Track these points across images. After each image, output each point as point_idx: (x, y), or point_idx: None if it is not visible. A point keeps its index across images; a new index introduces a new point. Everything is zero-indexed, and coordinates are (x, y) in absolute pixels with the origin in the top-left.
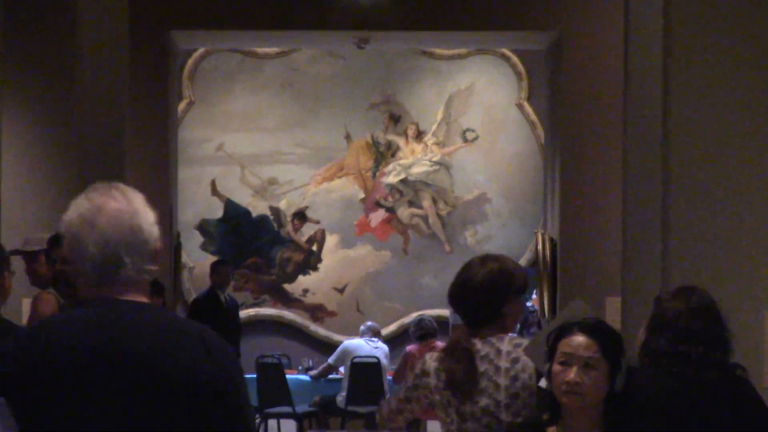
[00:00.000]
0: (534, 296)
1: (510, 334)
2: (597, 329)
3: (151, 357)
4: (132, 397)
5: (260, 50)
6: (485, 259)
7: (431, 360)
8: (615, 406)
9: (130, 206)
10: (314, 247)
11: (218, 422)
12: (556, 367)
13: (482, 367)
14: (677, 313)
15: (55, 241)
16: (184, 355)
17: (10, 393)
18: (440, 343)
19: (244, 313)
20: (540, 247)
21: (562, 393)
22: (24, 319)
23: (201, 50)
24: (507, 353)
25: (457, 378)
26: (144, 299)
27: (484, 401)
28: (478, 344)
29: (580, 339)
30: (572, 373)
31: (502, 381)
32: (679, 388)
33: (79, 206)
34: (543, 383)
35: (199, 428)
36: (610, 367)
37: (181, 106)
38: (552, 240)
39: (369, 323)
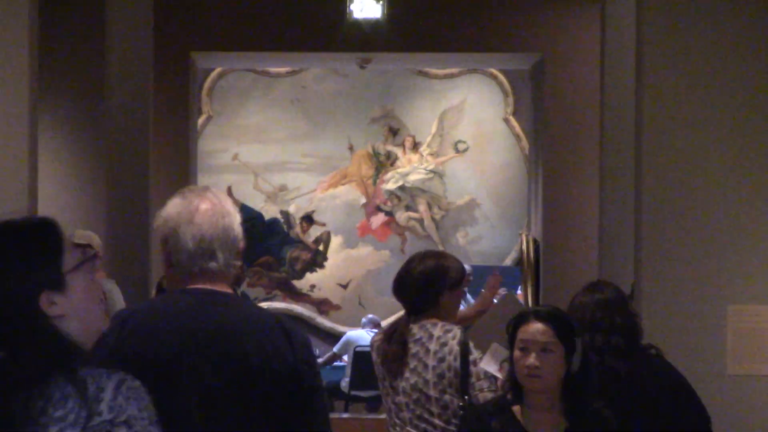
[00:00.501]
0: (519, 291)
1: (442, 323)
2: (552, 316)
3: (239, 343)
4: (221, 378)
5: (272, 70)
6: (425, 255)
7: (375, 339)
8: (572, 385)
9: (223, 208)
10: (320, 247)
11: (297, 402)
12: (516, 353)
13: (414, 349)
14: (583, 305)
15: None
16: (267, 341)
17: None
18: None
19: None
20: (524, 247)
21: (523, 377)
22: None
23: (218, 70)
24: (437, 338)
25: (388, 358)
26: (229, 290)
27: (413, 379)
28: (414, 329)
29: (536, 326)
30: (531, 358)
31: (431, 362)
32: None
33: (177, 205)
34: (487, 363)
35: (281, 409)
36: (565, 350)
37: (201, 120)
38: (535, 241)
39: (370, 316)
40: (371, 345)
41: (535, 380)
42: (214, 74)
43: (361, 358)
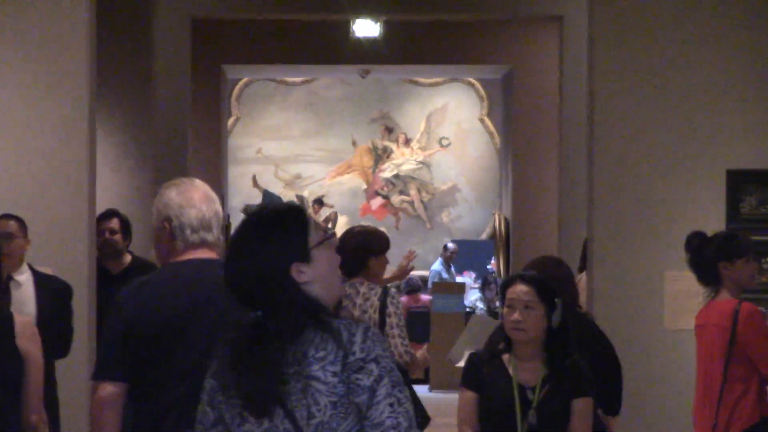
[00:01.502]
0: (493, 261)
1: (369, 282)
2: (534, 279)
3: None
4: (222, 327)
5: (288, 79)
6: (354, 228)
7: None
8: (552, 339)
9: (212, 194)
10: (330, 225)
11: None
12: (505, 310)
13: (345, 302)
14: None
15: (104, 216)
16: None
17: (126, 332)
18: (424, 296)
19: None
20: (497, 224)
21: (510, 330)
22: None
23: (245, 79)
24: (363, 294)
25: None
26: (220, 258)
27: None
28: (347, 287)
29: (520, 287)
30: (515, 314)
31: (356, 312)
32: None
33: (176, 193)
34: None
35: None
36: (546, 309)
37: (231, 120)
38: (506, 219)
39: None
40: None
41: (519, 333)
42: (241, 83)
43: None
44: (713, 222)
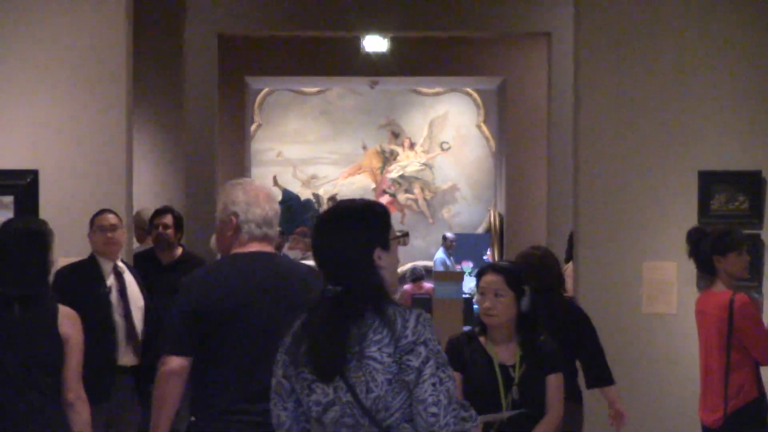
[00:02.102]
0: (489, 252)
1: None
2: (503, 269)
3: (289, 285)
4: (283, 314)
5: (305, 89)
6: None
7: None
8: (523, 322)
9: (272, 194)
10: None
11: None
12: (478, 297)
13: None
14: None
15: (159, 212)
16: (303, 281)
17: (193, 312)
18: (427, 284)
19: None
20: (492, 219)
21: (482, 315)
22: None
23: (266, 90)
24: None
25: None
26: (274, 251)
27: None
28: None
29: (491, 276)
30: (486, 301)
31: None
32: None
33: (242, 193)
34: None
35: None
36: (515, 295)
37: (253, 127)
38: (500, 215)
39: None
40: None
41: (490, 318)
42: (263, 93)
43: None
44: (686, 218)
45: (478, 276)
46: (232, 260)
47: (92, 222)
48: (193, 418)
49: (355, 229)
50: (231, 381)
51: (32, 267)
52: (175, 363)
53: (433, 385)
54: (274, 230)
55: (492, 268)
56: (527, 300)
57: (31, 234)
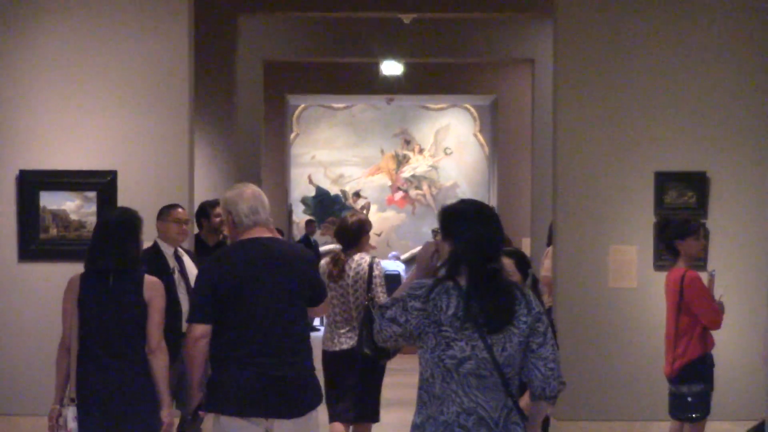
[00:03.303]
0: None
1: (361, 253)
2: (514, 253)
3: (283, 262)
4: (280, 283)
5: (334, 105)
6: (353, 215)
7: (325, 262)
8: None
9: (258, 190)
10: (364, 211)
11: (313, 289)
12: None
13: (345, 267)
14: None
15: (213, 205)
16: (302, 260)
17: (212, 287)
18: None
19: (325, 249)
20: None
21: None
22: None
23: (303, 105)
24: (356, 261)
25: (333, 273)
26: (275, 234)
27: (342, 284)
28: (347, 257)
29: (505, 259)
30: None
31: (351, 274)
32: None
33: (233, 192)
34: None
35: (307, 292)
36: (522, 276)
37: (292, 135)
38: (492, 208)
39: (394, 252)
40: (321, 266)
41: None
42: (300, 108)
43: (388, 278)
44: (645, 210)
45: None
46: (237, 246)
47: (165, 214)
48: (210, 372)
49: (497, 225)
50: (243, 339)
51: (128, 246)
52: (199, 329)
53: (552, 346)
54: (263, 217)
55: (505, 252)
56: (530, 280)
57: (127, 220)
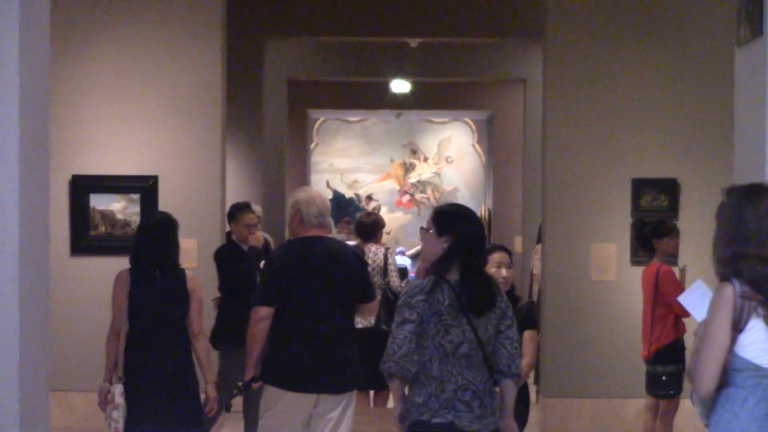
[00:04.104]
0: None
1: (377, 245)
2: (505, 248)
3: (340, 260)
4: (336, 278)
5: (350, 119)
6: (369, 215)
7: None
8: (511, 289)
9: (324, 197)
10: (376, 212)
11: (363, 286)
12: (493, 269)
13: (365, 256)
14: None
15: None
16: (351, 258)
17: (276, 276)
18: None
19: None
20: (483, 213)
21: (500, 282)
22: None
23: (322, 119)
24: (373, 251)
25: None
26: (329, 236)
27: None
28: (365, 247)
29: (503, 253)
30: (504, 271)
31: (369, 262)
32: None
33: (304, 194)
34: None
35: (356, 289)
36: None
37: (312, 145)
38: (489, 209)
39: (400, 248)
40: None
41: (505, 284)
42: (319, 121)
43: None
44: (623, 212)
45: (488, 253)
46: (300, 241)
47: (237, 218)
48: (269, 349)
49: (483, 225)
50: (300, 323)
51: (169, 245)
52: (263, 311)
53: (515, 330)
54: (327, 220)
55: (500, 247)
56: (515, 273)
57: (167, 223)
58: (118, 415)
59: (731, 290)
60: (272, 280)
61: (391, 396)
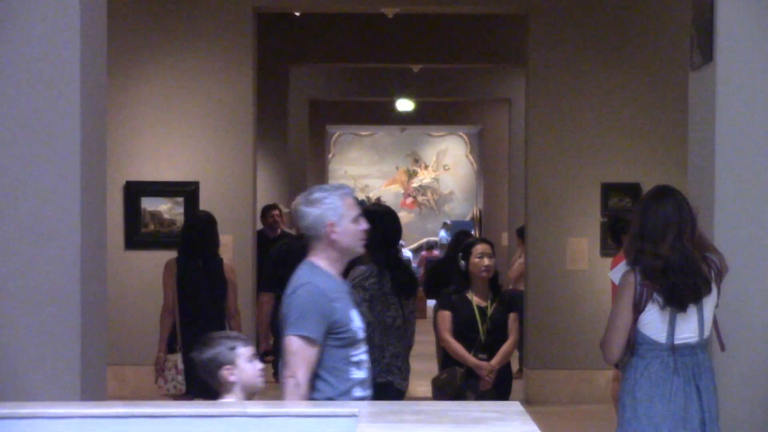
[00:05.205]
0: (472, 232)
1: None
2: (488, 241)
3: None
4: None
5: (361, 133)
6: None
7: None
8: (494, 280)
9: None
10: None
11: None
12: (476, 259)
13: None
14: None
15: (270, 207)
16: None
17: (275, 265)
18: (436, 251)
19: None
20: (475, 213)
21: (482, 272)
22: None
23: (338, 133)
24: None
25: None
26: None
27: None
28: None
29: (486, 245)
30: (486, 261)
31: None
32: None
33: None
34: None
35: None
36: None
37: (330, 155)
38: (480, 210)
39: (402, 242)
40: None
41: (488, 273)
42: (336, 135)
43: None
44: (593, 212)
45: (472, 245)
46: (297, 236)
47: (264, 216)
48: (271, 340)
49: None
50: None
51: (210, 239)
52: (266, 296)
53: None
54: None
55: (482, 240)
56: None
57: (208, 220)
58: (182, 379)
59: (633, 277)
60: (272, 269)
61: None
